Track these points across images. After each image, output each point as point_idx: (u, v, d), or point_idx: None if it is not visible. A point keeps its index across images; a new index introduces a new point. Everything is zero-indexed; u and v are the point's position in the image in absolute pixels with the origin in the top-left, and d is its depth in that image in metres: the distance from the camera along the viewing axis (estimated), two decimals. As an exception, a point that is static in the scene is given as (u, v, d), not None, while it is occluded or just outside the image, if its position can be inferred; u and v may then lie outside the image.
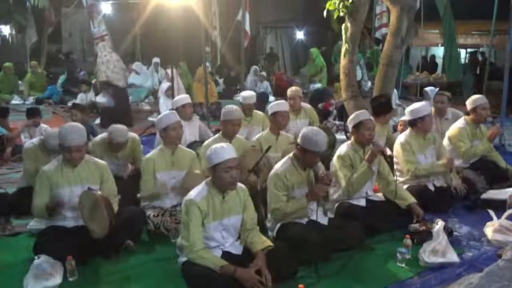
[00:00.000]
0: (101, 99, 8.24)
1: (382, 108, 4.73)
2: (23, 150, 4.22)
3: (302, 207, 3.23)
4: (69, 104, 9.36)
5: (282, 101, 4.71)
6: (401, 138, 4.22)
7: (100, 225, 3.07)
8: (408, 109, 4.23)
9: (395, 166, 4.15)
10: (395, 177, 3.80)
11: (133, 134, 4.52)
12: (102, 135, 4.42)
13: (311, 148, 3.16)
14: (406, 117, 4.31)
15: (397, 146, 4.20)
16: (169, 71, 9.33)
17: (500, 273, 2.82)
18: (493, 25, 7.70)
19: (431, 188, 4.12)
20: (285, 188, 3.24)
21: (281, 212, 3.23)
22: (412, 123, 4.18)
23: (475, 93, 6.17)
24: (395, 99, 6.90)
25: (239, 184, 2.95)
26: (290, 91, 5.44)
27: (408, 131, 4.24)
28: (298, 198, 3.25)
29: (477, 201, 4.09)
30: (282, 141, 4.38)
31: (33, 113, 5.98)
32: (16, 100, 10.44)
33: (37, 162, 3.98)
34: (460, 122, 4.69)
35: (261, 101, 7.34)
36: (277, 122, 4.43)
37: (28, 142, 4.34)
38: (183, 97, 5.22)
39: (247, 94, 5.38)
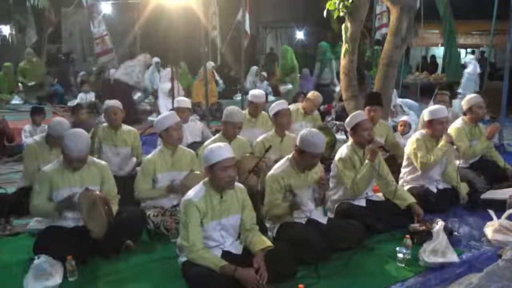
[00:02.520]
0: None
1: (373, 97, 4.77)
2: (25, 147, 4.21)
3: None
4: (69, 104, 9.40)
5: (282, 100, 4.71)
6: (417, 135, 4.21)
7: (98, 225, 3.08)
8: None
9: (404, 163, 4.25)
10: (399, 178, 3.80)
11: (132, 128, 4.72)
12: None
13: (310, 150, 3.15)
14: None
15: (412, 139, 4.19)
16: (169, 70, 9.34)
17: (500, 273, 2.82)
18: (493, 25, 7.71)
19: (434, 190, 4.11)
20: (281, 189, 3.23)
21: (273, 214, 3.23)
22: (425, 124, 4.20)
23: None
24: (395, 99, 6.88)
25: (238, 184, 2.95)
26: (312, 94, 5.69)
27: (424, 131, 4.23)
28: None
29: (477, 201, 4.09)
30: (287, 143, 4.26)
31: (36, 111, 6.01)
32: (16, 100, 10.43)
33: (39, 159, 3.98)
34: (458, 122, 4.69)
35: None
36: (281, 122, 4.34)
37: (30, 139, 4.34)
38: (184, 101, 5.26)
39: (258, 93, 5.24)
